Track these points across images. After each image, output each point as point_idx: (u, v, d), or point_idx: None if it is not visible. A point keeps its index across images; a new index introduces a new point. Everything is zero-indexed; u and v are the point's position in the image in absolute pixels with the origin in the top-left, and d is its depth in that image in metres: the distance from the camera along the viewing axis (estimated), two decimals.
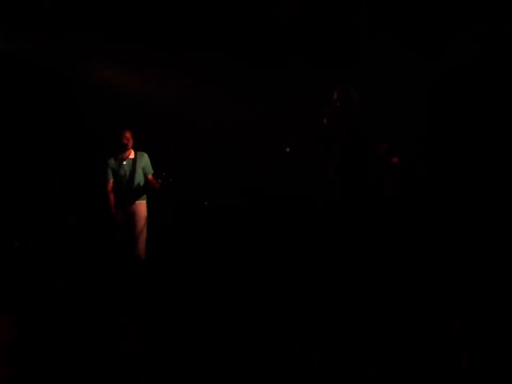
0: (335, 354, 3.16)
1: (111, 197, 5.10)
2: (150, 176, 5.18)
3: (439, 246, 4.79)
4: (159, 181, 5.00)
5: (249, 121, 5.71)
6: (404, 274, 4.24)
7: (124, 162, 5.08)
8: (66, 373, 3.10)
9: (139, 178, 5.09)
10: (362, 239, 4.34)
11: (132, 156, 5.10)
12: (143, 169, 5.16)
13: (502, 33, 5.79)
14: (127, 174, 5.04)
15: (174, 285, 4.65)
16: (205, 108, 5.88)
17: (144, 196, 5.20)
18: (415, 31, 6.31)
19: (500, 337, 3.18)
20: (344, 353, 3.17)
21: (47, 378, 3.07)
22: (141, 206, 5.14)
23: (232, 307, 3.95)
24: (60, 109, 6.20)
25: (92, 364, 3.16)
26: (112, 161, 5.14)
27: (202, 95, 5.85)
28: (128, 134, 5.06)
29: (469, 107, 6.02)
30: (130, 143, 5.06)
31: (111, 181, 5.12)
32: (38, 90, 6.10)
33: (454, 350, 3.09)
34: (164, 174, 5.04)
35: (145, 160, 5.16)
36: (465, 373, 2.91)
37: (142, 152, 5.17)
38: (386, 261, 4.40)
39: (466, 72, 6.01)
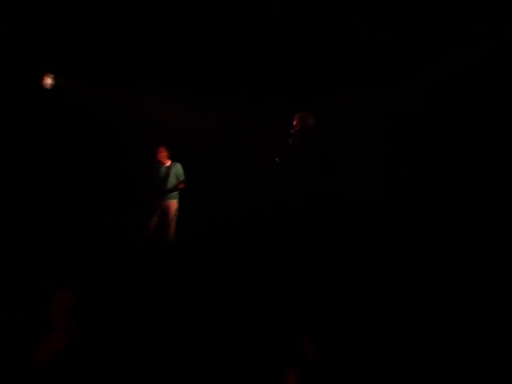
0: (335, 354, 3.16)
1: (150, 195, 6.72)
2: (180, 180, 6.75)
3: (439, 246, 4.79)
4: (182, 182, 6.72)
5: (246, 137, 7.39)
6: (403, 274, 4.25)
7: (162, 169, 6.75)
8: (66, 373, 3.10)
9: (172, 182, 6.69)
10: (357, 238, 4.45)
11: (168, 164, 6.78)
12: (176, 174, 6.73)
13: (502, 33, 5.80)
14: (163, 177, 6.68)
15: (175, 287, 4.66)
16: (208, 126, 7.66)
17: (177, 196, 6.73)
18: (415, 33, 6.35)
19: (500, 337, 3.18)
20: (344, 353, 3.17)
21: (47, 378, 3.07)
22: (173, 203, 6.68)
23: (233, 307, 3.95)
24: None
25: (92, 364, 3.16)
26: (153, 168, 6.78)
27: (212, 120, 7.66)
28: (159, 149, 6.75)
29: (470, 107, 6.02)
30: (162, 155, 6.73)
31: (152, 182, 6.73)
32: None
33: (454, 350, 3.09)
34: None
35: (177, 168, 6.76)
36: (465, 373, 2.91)
37: (176, 162, 6.81)
38: (386, 261, 4.41)
39: (466, 72, 6.02)
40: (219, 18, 7.52)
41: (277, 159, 5.38)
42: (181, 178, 6.73)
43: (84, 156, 7.87)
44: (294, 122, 5.34)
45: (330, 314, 3.69)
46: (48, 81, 6.98)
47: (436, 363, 3.00)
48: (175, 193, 6.70)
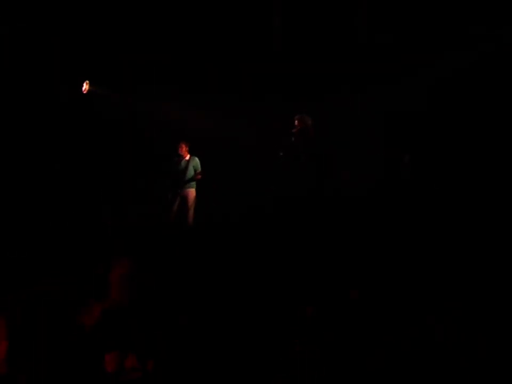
0: (335, 354, 3.16)
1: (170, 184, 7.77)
2: (197, 172, 7.77)
3: (439, 246, 4.79)
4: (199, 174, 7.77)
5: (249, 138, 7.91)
6: (403, 274, 4.25)
7: (182, 162, 7.75)
8: (66, 373, 3.10)
9: (190, 173, 7.70)
10: (357, 237, 4.51)
11: (187, 157, 7.77)
12: (194, 167, 7.74)
13: (502, 33, 5.80)
14: (183, 169, 7.68)
15: (175, 287, 4.65)
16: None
17: (194, 186, 7.76)
18: (415, 33, 6.37)
19: (500, 337, 3.18)
20: (344, 353, 3.17)
21: (45, 378, 3.07)
22: (191, 192, 7.75)
23: (233, 307, 3.95)
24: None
25: (91, 364, 3.16)
26: (174, 161, 7.77)
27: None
28: (181, 144, 7.71)
29: (469, 107, 6.03)
30: (182, 149, 7.73)
31: (173, 173, 7.76)
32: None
33: (454, 350, 3.09)
34: None
35: (195, 161, 7.79)
36: (465, 373, 2.91)
37: (194, 156, 7.83)
38: (386, 261, 4.41)
39: (466, 72, 6.02)
40: (219, 18, 7.60)
41: (281, 153, 5.90)
42: (198, 170, 7.75)
43: (85, 156, 8.08)
44: (295, 123, 5.78)
45: (330, 314, 3.69)
46: (85, 87, 7.72)
47: (436, 363, 3.00)
48: (193, 183, 7.74)
